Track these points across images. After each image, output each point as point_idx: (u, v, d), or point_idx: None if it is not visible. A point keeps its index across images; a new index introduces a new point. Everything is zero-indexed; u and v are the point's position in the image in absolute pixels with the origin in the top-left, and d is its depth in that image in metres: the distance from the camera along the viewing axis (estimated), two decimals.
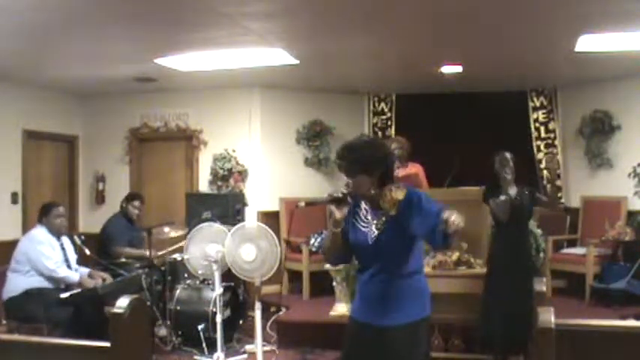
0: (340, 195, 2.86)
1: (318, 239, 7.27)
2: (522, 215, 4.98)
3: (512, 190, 4.92)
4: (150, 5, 4.43)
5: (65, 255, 5.39)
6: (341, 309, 5.80)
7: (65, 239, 5.50)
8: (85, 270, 5.53)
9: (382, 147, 2.99)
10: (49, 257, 5.19)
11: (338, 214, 2.85)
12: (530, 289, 4.77)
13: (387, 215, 2.82)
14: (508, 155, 4.98)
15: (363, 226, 2.91)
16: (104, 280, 5.44)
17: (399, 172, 5.87)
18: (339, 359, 3.08)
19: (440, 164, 6.06)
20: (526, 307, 4.52)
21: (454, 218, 2.50)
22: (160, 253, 6.00)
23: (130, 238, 6.51)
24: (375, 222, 2.88)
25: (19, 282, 5.11)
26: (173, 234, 6.07)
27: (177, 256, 5.82)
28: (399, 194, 2.79)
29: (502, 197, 4.85)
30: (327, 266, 5.99)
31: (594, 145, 7.44)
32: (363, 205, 2.94)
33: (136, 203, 6.68)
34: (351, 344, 2.98)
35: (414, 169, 6.07)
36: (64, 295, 4.93)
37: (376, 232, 2.86)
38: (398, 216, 2.77)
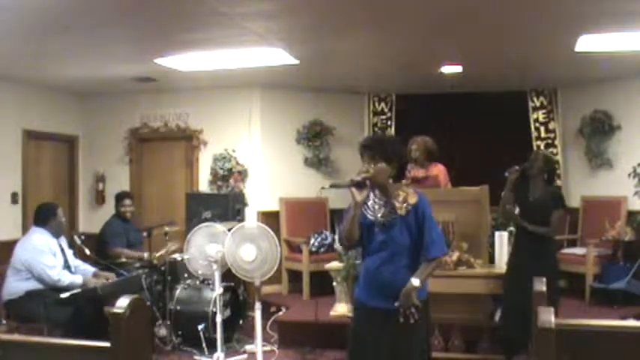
0: (361, 179, 3.14)
1: (318, 239, 7.27)
2: (543, 215, 4.79)
3: (537, 188, 4.82)
4: (150, 5, 4.43)
5: (65, 256, 5.38)
6: (341, 309, 5.81)
7: (62, 238, 5.48)
8: (90, 270, 5.52)
9: (404, 148, 3.59)
10: (53, 266, 5.14)
11: (358, 196, 3.13)
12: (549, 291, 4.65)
13: (395, 213, 3.20)
14: (539, 153, 4.94)
15: (370, 215, 3.27)
16: (107, 279, 5.41)
17: (419, 173, 5.84)
18: (349, 346, 3.37)
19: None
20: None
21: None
22: (157, 254, 5.85)
23: (128, 238, 6.48)
24: (382, 212, 3.24)
25: (19, 285, 5.08)
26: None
27: (177, 256, 5.82)
28: (412, 199, 3.21)
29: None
30: (328, 266, 6.00)
31: (594, 145, 7.44)
32: (372, 196, 3.27)
33: (127, 202, 6.63)
34: (360, 329, 3.27)
35: (435, 170, 5.93)
36: (64, 295, 4.92)
37: (383, 223, 3.22)
38: (406, 217, 3.19)
